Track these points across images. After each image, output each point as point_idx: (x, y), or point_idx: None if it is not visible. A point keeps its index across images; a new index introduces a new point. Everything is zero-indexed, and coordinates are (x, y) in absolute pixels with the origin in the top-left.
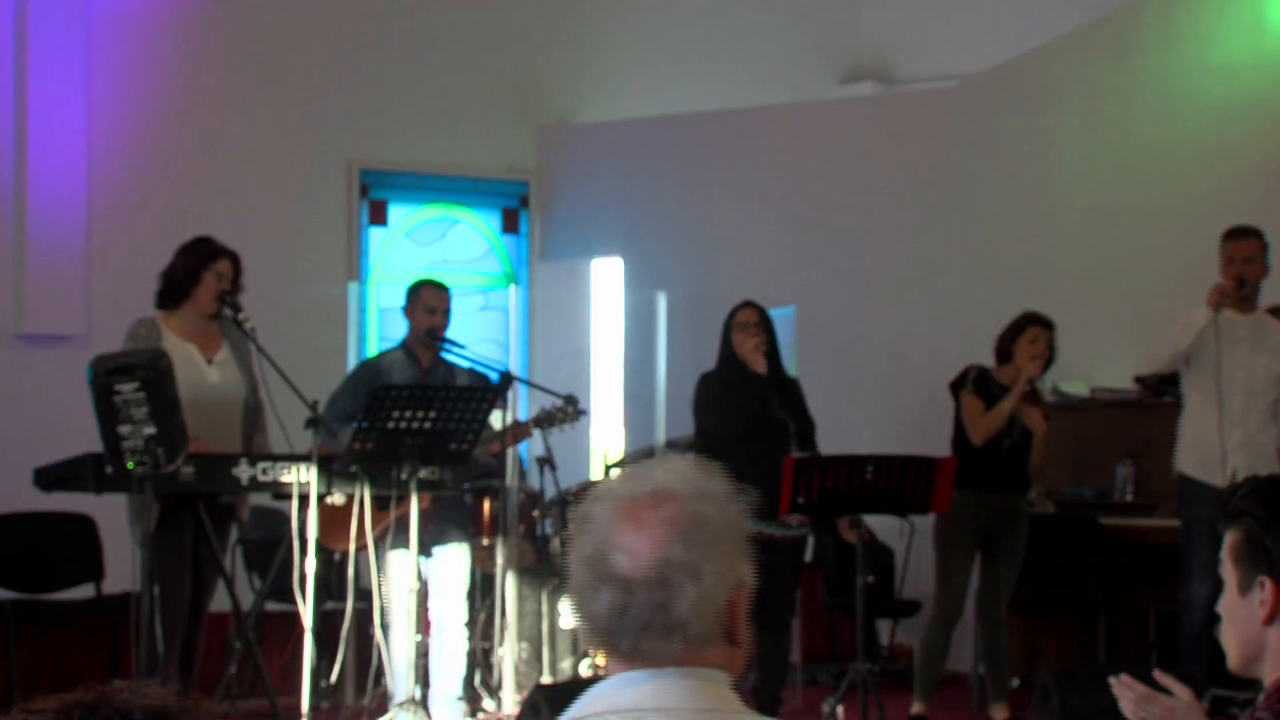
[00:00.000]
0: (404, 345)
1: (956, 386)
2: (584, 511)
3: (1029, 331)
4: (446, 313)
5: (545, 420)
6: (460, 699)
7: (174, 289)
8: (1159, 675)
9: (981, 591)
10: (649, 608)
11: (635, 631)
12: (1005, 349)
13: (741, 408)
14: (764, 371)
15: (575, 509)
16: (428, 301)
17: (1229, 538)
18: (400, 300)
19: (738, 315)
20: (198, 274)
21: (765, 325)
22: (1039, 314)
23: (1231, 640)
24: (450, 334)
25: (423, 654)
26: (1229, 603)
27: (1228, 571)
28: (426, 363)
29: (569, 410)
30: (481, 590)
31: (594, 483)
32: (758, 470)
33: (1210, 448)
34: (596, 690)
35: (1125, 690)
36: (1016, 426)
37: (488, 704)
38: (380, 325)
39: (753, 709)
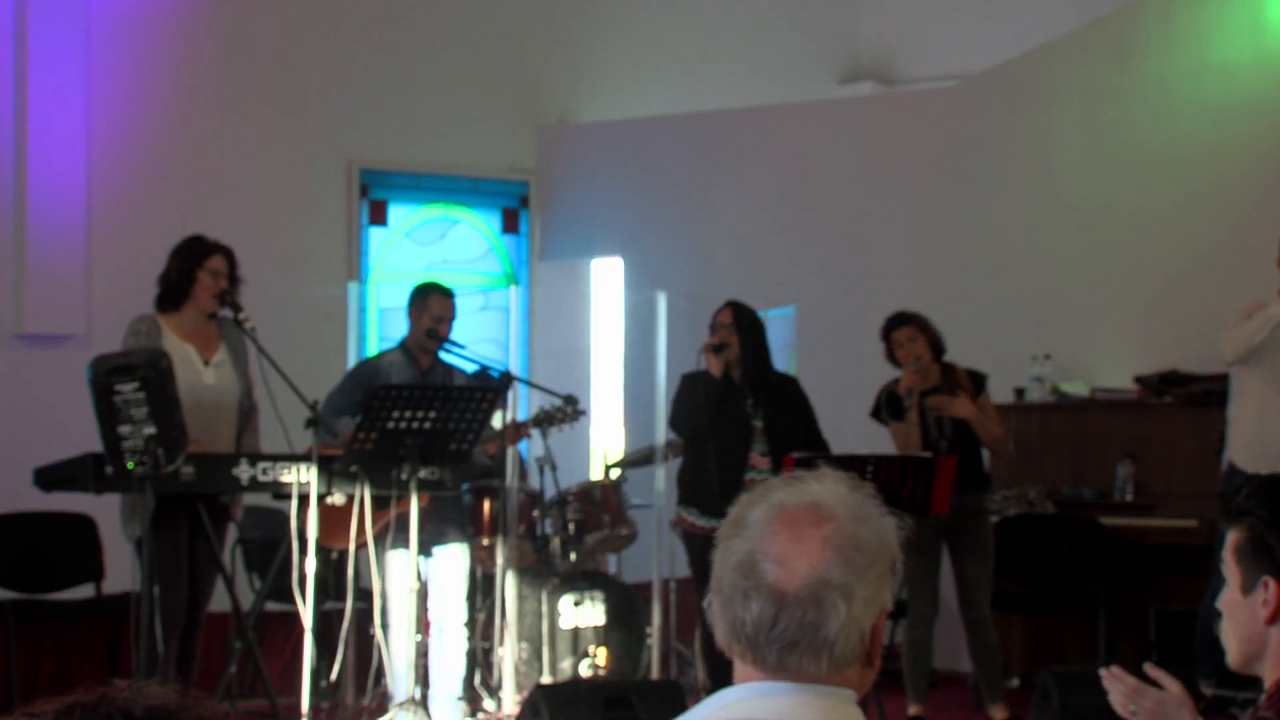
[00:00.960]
0: (403, 346)
1: (876, 416)
2: (737, 515)
3: (892, 339)
4: (450, 319)
5: (544, 420)
6: (460, 699)
7: (171, 291)
8: (1150, 669)
9: (960, 595)
10: (799, 625)
11: (782, 646)
12: (893, 363)
13: (689, 410)
14: (715, 373)
15: (598, 516)
16: (435, 310)
17: (1231, 536)
18: (401, 300)
19: (716, 316)
20: (192, 274)
21: (741, 326)
22: (895, 316)
23: (1232, 638)
24: (451, 334)
25: (423, 654)
26: (1230, 601)
27: (1229, 570)
28: (426, 364)
29: (568, 410)
30: (481, 590)
31: (598, 485)
32: (717, 467)
33: (1271, 443)
34: (729, 694)
35: (1115, 683)
36: (944, 425)
37: (488, 704)
38: (380, 325)
39: None
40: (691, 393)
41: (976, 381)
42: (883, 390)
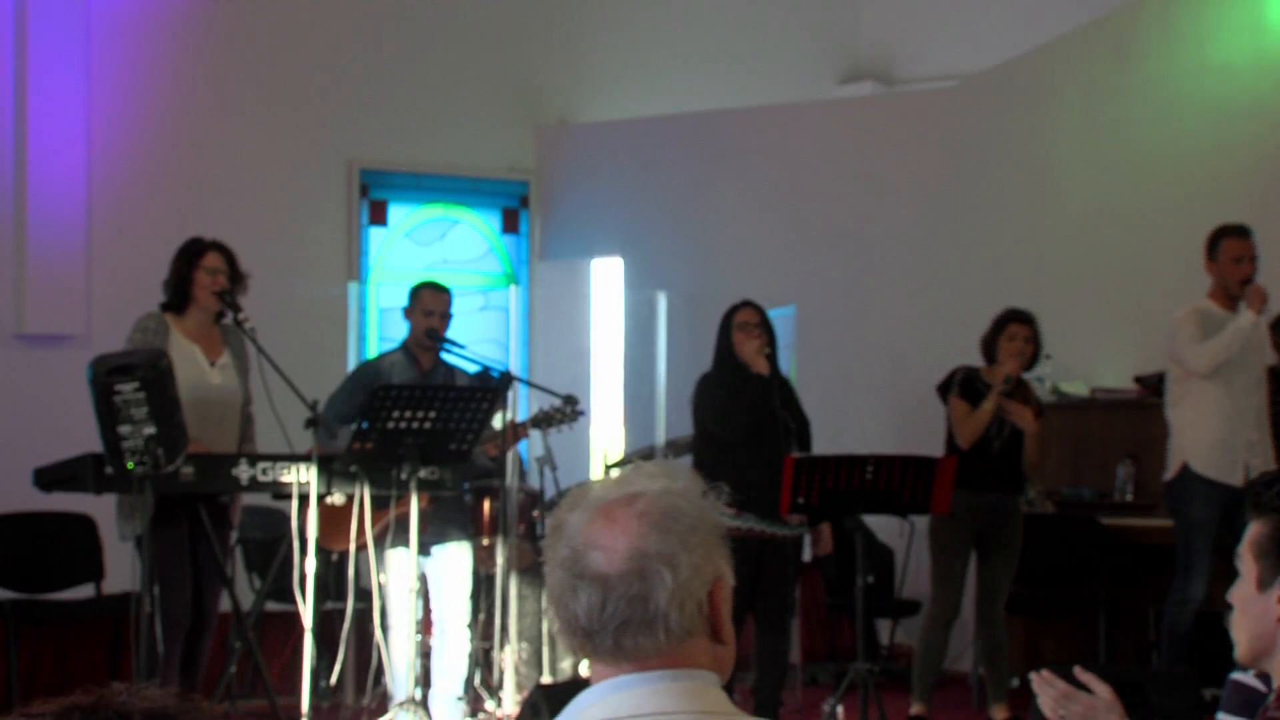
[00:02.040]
0: (404, 347)
1: (944, 389)
2: (558, 519)
3: (1008, 329)
4: (446, 315)
5: (543, 420)
6: (460, 699)
7: (174, 295)
8: (1079, 672)
9: (978, 591)
10: (627, 600)
11: (616, 627)
12: (989, 349)
13: (745, 410)
14: (766, 373)
15: (551, 517)
16: (426, 304)
17: (1253, 530)
18: (401, 301)
19: (737, 315)
20: (190, 275)
21: (766, 326)
22: (1018, 310)
23: (1243, 632)
24: (451, 334)
25: (423, 654)
26: (1244, 595)
27: (1246, 564)
28: (427, 364)
29: (567, 410)
30: (482, 591)
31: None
32: (758, 471)
33: (1231, 448)
34: (584, 699)
35: (1045, 687)
36: (1005, 426)
37: (488, 704)
38: (380, 325)
39: (752, 710)
40: (739, 392)
41: (1038, 408)
42: (960, 370)
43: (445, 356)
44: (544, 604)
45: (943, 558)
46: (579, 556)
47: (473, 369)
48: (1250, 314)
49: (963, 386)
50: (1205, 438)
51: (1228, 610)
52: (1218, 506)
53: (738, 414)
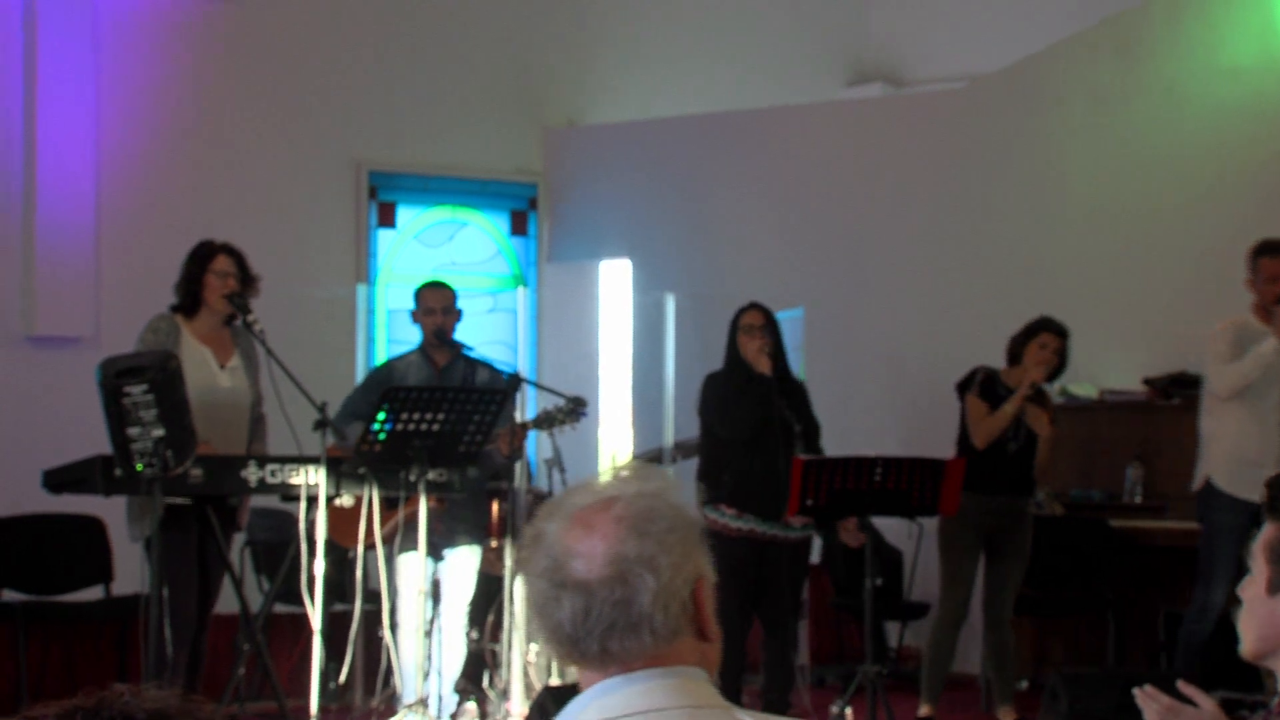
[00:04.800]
0: (420, 348)
1: (963, 388)
2: (535, 530)
3: (1040, 337)
4: (449, 310)
5: (545, 421)
6: (469, 700)
7: (185, 297)
8: (1183, 686)
9: (987, 593)
10: (611, 605)
11: (602, 632)
12: (1016, 352)
13: (747, 410)
14: (769, 373)
15: (529, 528)
16: (427, 302)
17: (1267, 531)
18: (409, 303)
19: (743, 318)
20: (200, 278)
21: (771, 327)
22: (1054, 320)
23: (1250, 630)
24: (460, 335)
25: (431, 656)
26: (1254, 595)
27: (1258, 565)
28: (442, 362)
29: (573, 410)
30: (490, 593)
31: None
32: (763, 471)
33: (1251, 465)
34: (575, 705)
35: (1149, 701)
36: (1022, 429)
37: (496, 705)
38: (389, 327)
39: (759, 710)
40: (742, 393)
41: (1052, 414)
42: (982, 369)
43: (466, 353)
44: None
45: (952, 559)
46: (559, 565)
47: (493, 365)
48: (1274, 341)
49: (983, 387)
50: (1229, 453)
51: (1237, 606)
52: (1242, 521)
53: (738, 413)
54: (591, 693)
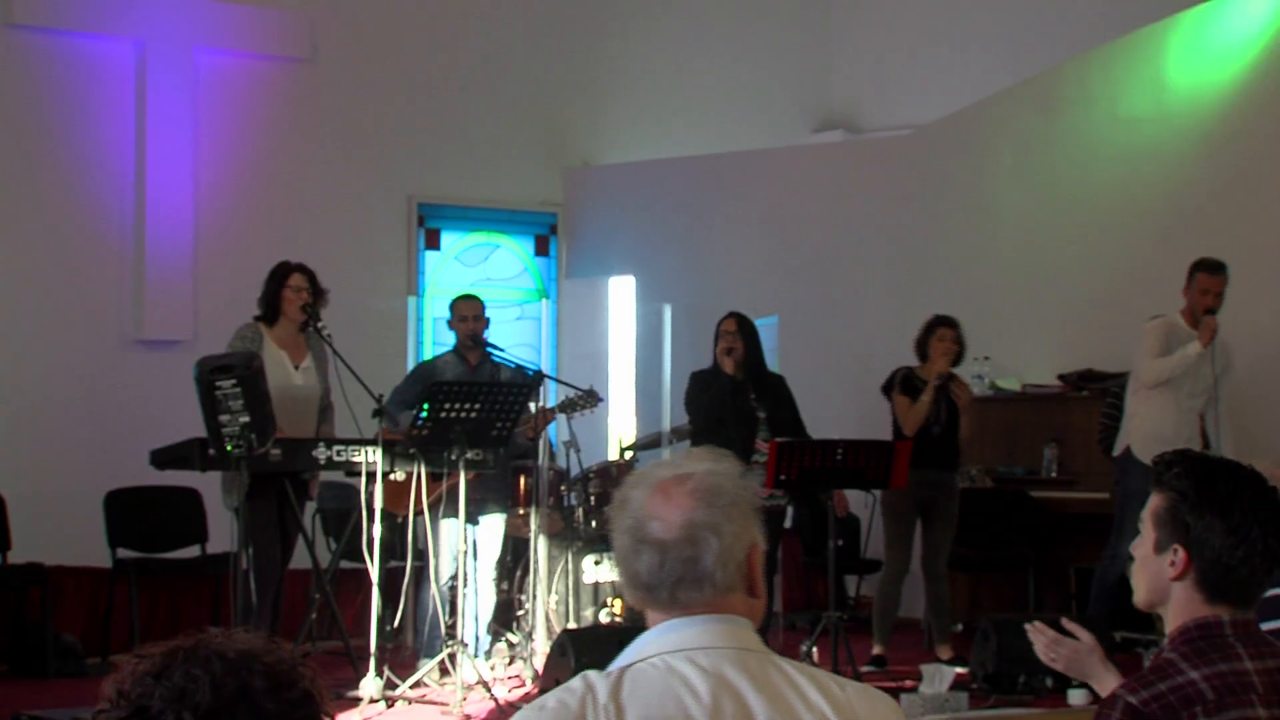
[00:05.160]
0: (455, 349)
1: (887, 388)
2: (623, 496)
3: (938, 331)
4: (479, 318)
5: (568, 407)
6: (500, 641)
7: (266, 309)
8: (1066, 622)
9: (925, 553)
10: (682, 562)
11: (672, 583)
12: (922, 349)
13: (706, 402)
14: (731, 372)
15: (615, 490)
16: (460, 311)
17: (1154, 501)
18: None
19: (721, 325)
20: (278, 293)
21: (743, 333)
22: (944, 315)
23: (1141, 584)
24: (493, 338)
25: (471, 604)
26: (1144, 554)
27: (1146, 528)
28: (475, 361)
29: (588, 399)
30: (518, 552)
31: (614, 464)
32: (731, 451)
33: (1166, 442)
34: (645, 639)
35: (1038, 635)
36: (942, 414)
37: (523, 645)
38: (434, 333)
39: None
40: (707, 388)
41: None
42: (899, 371)
43: (492, 354)
44: (568, 563)
45: (893, 525)
46: (640, 526)
47: (513, 363)
48: (1197, 345)
49: (903, 384)
50: (1147, 431)
51: (1131, 560)
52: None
53: (699, 405)
54: (658, 629)
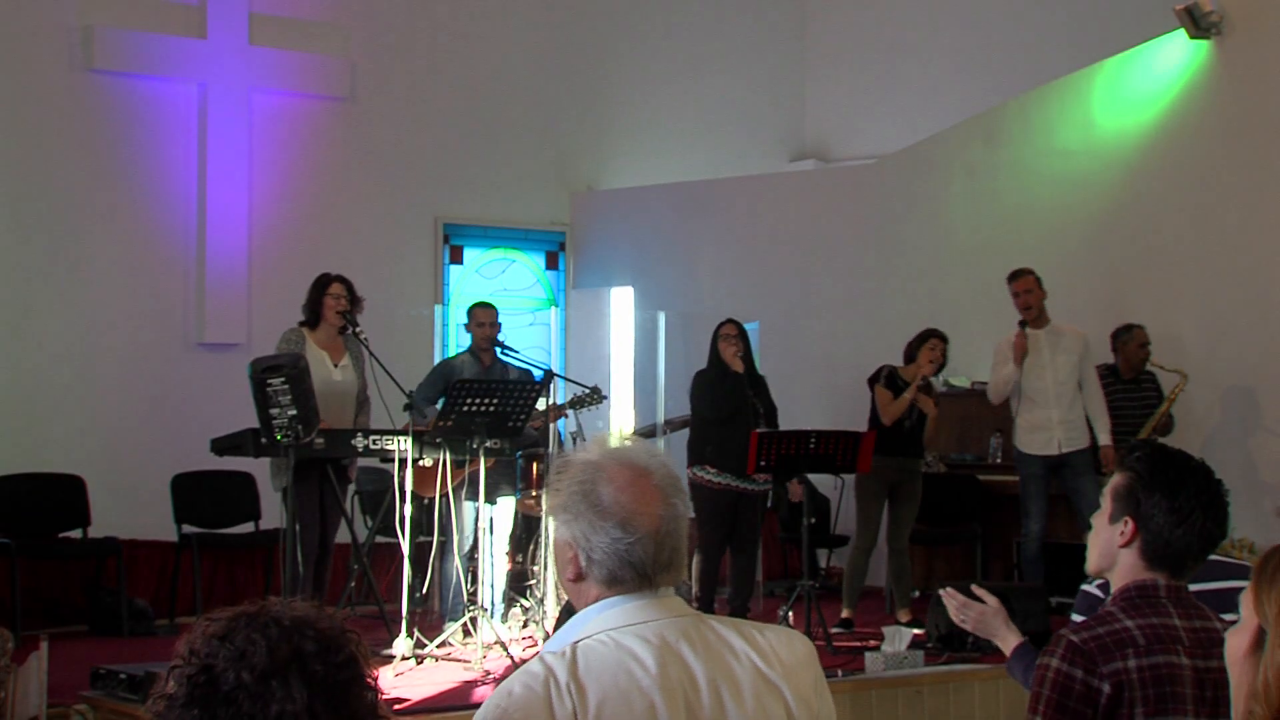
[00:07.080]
0: (471, 350)
1: (872, 381)
2: (585, 482)
3: (930, 341)
4: (493, 324)
5: (576, 403)
6: (515, 606)
7: (309, 315)
8: (975, 588)
9: (890, 528)
10: (672, 551)
11: (664, 571)
12: (911, 353)
13: (725, 398)
14: (741, 371)
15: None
16: (477, 318)
17: (1115, 478)
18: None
19: (722, 329)
20: (320, 300)
21: (742, 337)
22: (938, 330)
23: (1094, 549)
24: (509, 342)
25: (489, 573)
26: (1100, 523)
27: (1105, 500)
28: (488, 362)
29: (594, 396)
30: (530, 528)
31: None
32: (735, 442)
33: (1041, 428)
34: (588, 615)
35: (950, 599)
36: (915, 411)
37: (535, 610)
38: (457, 337)
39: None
40: (720, 385)
41: (936, 400)
42: (885, 367)
43: (502, 356)
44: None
45: (864, 504)
46: (629, 520)
47: (520, 365)
48: (1014, 367)
49: (887, 380)
50: (1023, 424)
51: (1087, 529)
52: (1040, 470)
53: (720, 400)
54: (599, 606)
